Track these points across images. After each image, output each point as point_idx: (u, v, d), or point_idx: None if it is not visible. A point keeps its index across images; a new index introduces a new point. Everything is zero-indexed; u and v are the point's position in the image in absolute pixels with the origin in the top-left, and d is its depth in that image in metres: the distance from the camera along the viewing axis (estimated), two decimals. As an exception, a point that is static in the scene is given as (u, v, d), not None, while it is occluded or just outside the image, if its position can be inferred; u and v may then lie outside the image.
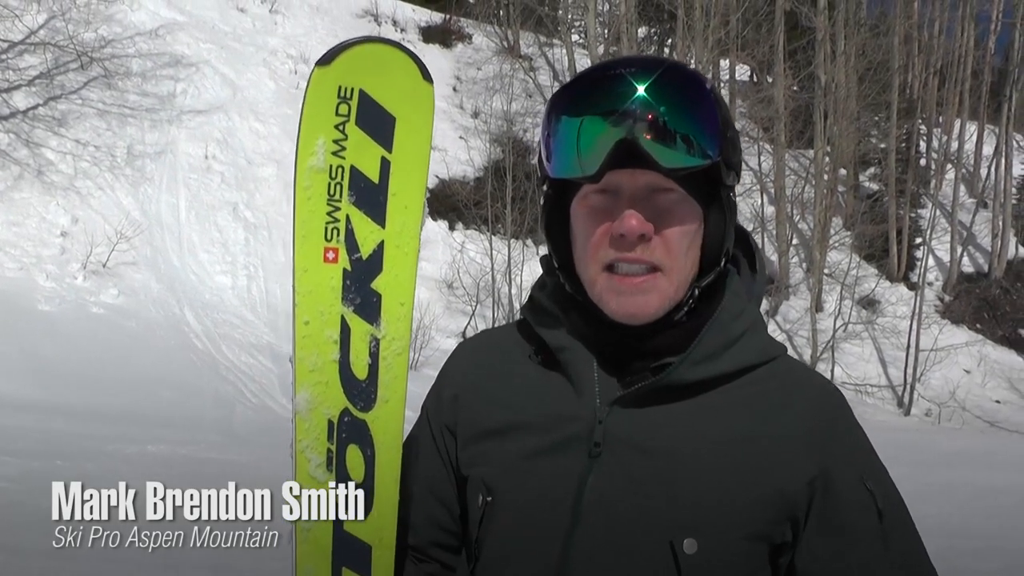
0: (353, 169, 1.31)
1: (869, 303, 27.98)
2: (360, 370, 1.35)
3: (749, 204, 28.95)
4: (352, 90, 1.31)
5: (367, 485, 1.38)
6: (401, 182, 1.35)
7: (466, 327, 20.01)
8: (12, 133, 19.88)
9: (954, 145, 34.41)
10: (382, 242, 1.35)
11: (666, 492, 1.37)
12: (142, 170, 20.50)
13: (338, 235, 1.31)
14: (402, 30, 29.55)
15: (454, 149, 25.53)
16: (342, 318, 1.34)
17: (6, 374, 13.29)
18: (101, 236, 18.19)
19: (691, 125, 1.37)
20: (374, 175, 1.32)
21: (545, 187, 1.50)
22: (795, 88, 30.83)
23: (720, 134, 1.40)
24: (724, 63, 31.97)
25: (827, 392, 1.51)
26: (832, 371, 24.63)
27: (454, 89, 28.22)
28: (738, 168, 1.47)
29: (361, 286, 1.35)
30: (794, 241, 28.49)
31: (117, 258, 18.11)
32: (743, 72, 33.32)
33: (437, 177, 24.66)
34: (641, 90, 1.35)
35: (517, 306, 21.87)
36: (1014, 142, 32.75)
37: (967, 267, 30.81)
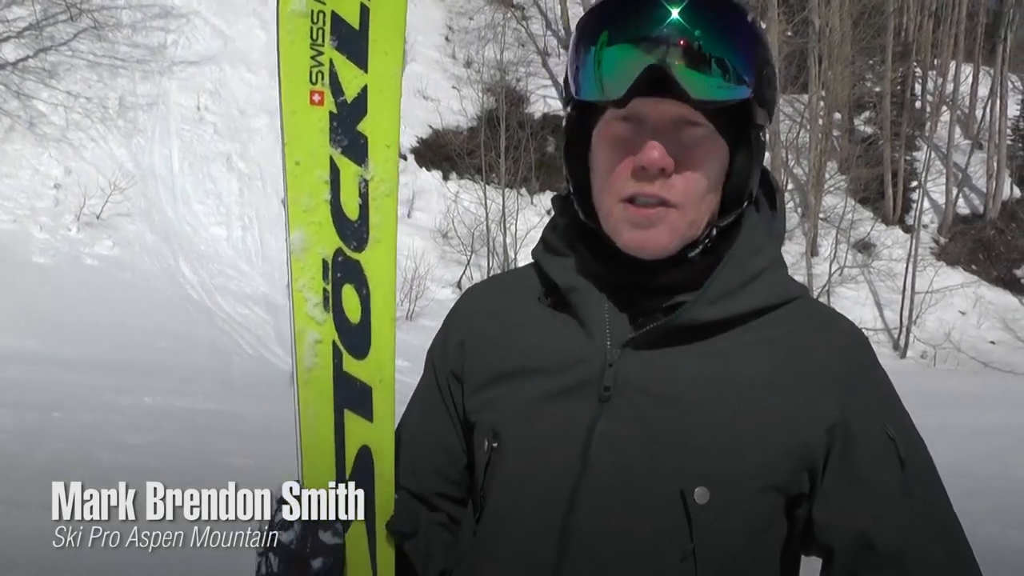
0: (334, 15, 1.32)
1: (865, 246, 28.06)
2: (351, 211, 1.36)
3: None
4: None
5: (364, 324, 1.38)
6: (381, 28, 1.35)
7: (461, 277, 20.05)
8: (2, 85, 19.95)
9: (949, 87, 34.33)
10: (365, 86, 1.35)
11: (678, 439, 1.32)
12: (134, 121, 20.61)
13: (323, 78, 1.33)
14: (393, -21, 29.34)
15: (447, 99, 25.54)
16: (331, 159, 1.35)
17: (1, 326, 13.39)
18: (95, 188, 18.32)
19: (726, 54, 1.30)
20: (355, 21, 1.33)
21: (568, 108, 1.45)
22: (789, 33, 30.77)
23: (756, 68, 1.34)
24: (718, 8, 31.77)
25: (851, 335, 1.44)
26: (828, 315, 24.72)
27: (446, 39, 28.19)
28: (771, 107, 1.40)
29: (348, 129, 1.35)
30: (789, 186, 28.58)
31: (111, 209, 18.24)
32: (737, 17, 33.13)
33: (430, 127, 24.68)
34: (675, 13, 1.28)
35: (512, 255, 21.94)
36: (1009, 83, 32.74)
37: (962, 209, 30.87)
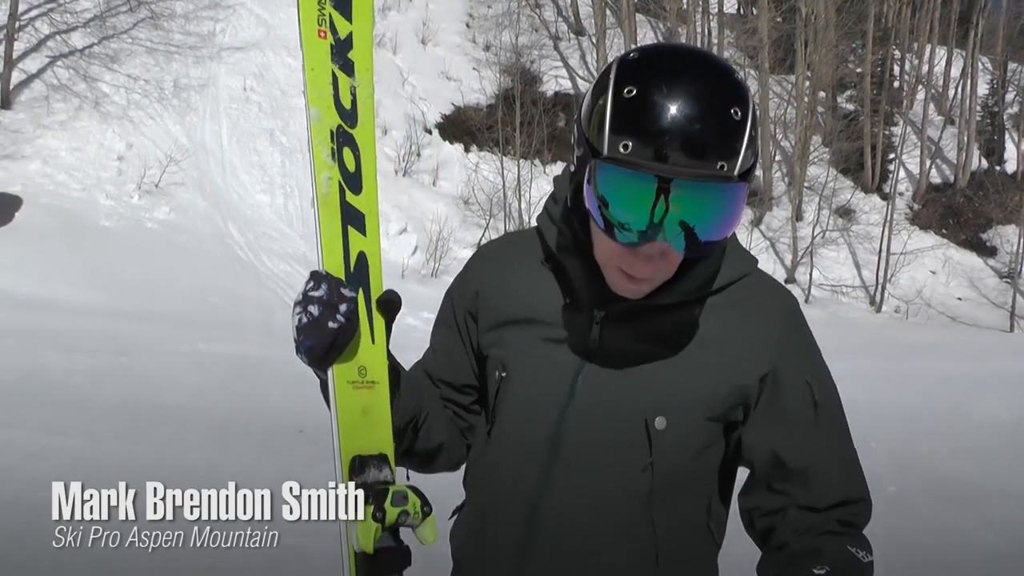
0: None
1: (845, 212, 27.88)
2: (346, 103, 1.69)
3: (736, 125, 28.73)
4: None
5: (357, 173, 1.68)
6: None
7: (480, 238, 20.09)
8: (71, 69, 19.90)
9: (925, 68, 33.98)
10: (351, 32, 1.71)
11: (645, 381, 1.52)
12: (187, 101, 20.55)
13: (325, 23, 1.68)
14: (418, -28, 29.22)
15: (468, 79, 25.43)
16: (332, 72, 1.68)
17: (73, 283, 13.49)
18: (153, 160, 18.32)
19: (723, 227, 1.37)
20: None
21: (580, 149, 1.45)
22: (778, 19, 30.42)
23: (751, 172, 1.39)
24: (713, -4, 31.53)
25: (787, 305, 1.62)
26: (811, 274, 24.79)
27: (467, 25, 27.98)
28: (755, 165, 1.42)
29: (342, 55, 1.70)
30: (777, 157, 28.38)
31: (168, 179, 18.23)
32: (730, 5, 32.86)
33: (453, 104, 24.61)
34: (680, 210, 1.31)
35: (526, 219, 21.93)
36: (980, 64, 32.37)
37: (935, 178, 30.62)
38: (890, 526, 6.55)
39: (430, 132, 23.68)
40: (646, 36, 28.21)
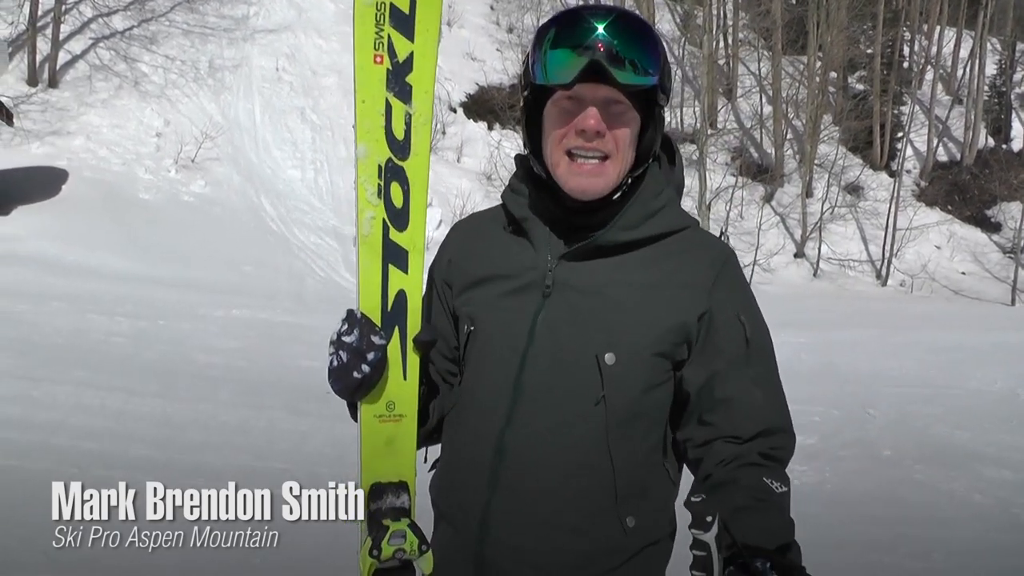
0: (392, 6, 1.64)
1: (853, 189, 27.72)
2: (399, 133, 1.63)
3: (750, 104, 28.63)
4: None
5: (404, 208, 1.65)
6: (424, 13, 1.65)
7: (502, 212, 20.06)
8: (112, 50, 20.07)
9: (933, 49, 33.59)
10: (412, 52, 1.65)
11: (596, 321, 1.62)
12: (222, 81, 20.73)
13: (382, 46, 1.61)
14: (446, -43, 29.04)
15: (491, 60, 25.38)
16: (386, 100, 1.63)
17: (115, 252, 13.72)
18: (189, 136, 18.52)
19: (641, 55, 1.58)
20: (406, 8, 1.64)
21: (526, 93, 1.68)
22: (791, 1, 30.17)
23: (660, 64, 1.61)
24: (731, -21, 31.23)
25: (722, 252, 1.72)
26: (819, 249, 24.67)
27: (491, 8, 27.92)
28: (668, 92, 1.66)
29: (399, 80, 1.63)
30: (788, 136, 28.20)
31: (203, 155, 18.43)
32: (747, -13, 32.58)
33: (477, 84, 24.58)
34: (601, 28, 1.56)
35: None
36: (988, 44, 31.92)
37: (942, 156, 30.29)
38: (883, 486, 6.63)
39: (455, 111, 23.71)
40: (663, 18, 28.03)
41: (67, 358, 7.67)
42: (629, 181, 1.66)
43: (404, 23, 1.64)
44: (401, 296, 1.65)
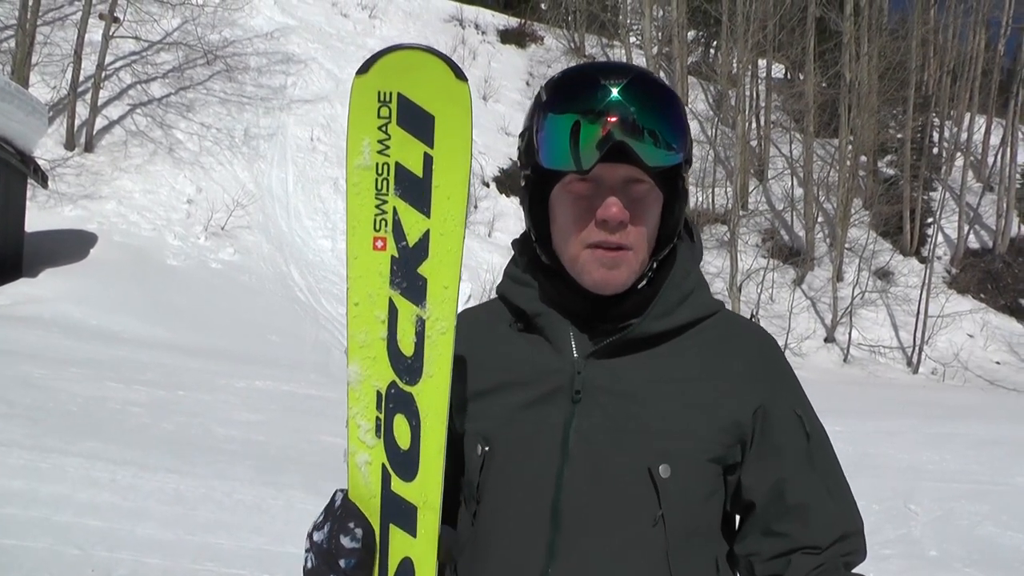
0: (398, 165, 1.26)
1: (884, 274, 27.57)
2: (407, 347, 1.28)
3: (781, 186, 28.77)
4: (391, 94, 1.26)
5: (413, 451, 1.32)
6: (444, 175, 1.28)
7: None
8: (149, 117, 20.36)
9: (964, 136, 33.66)
10: (427, 231, 1.28)
11: (640, 427, 1.39)
12: (256, 149, 20.96)
13: (386, 225, 1.27)
14: (483, 33, 29.65)
15: (527, 136, 25.56)
16: (390, 300, 1.28)
17: (139, 317, 13.61)
18: (221, 204, 18.64)
19: (664, 126, 1.37)
20: (418, 169, 1.27)
21: (528, 172, 1.46)
22: (823, 85, 30.40)
23: (685, 135, 1.41)
24: (762, 62, 31.85)
25: (766, 338, 1.55)
26: (850, 334, 24.39)
27: (527, 83, 28.30)
28: (691, 160, 1.46)
29: (408, 271, 1.28)
30: (819, 219, 28.13)
31: (234, 222, 18.51)
32: (778, 70, 33.08)
33: (511, 159, 24.74)
34: (616, 92, 1.34)
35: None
36: (1019, 133, 31.91)
37: (973, 244, 30.25)
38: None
39: (488, 185, 23.79)
40: (697, 98, 28.22)
41: (80, 427, 7.41)
42: (654, 266, 1.47)
43: (416, 189, 1.28)
44: (406, 566, 1.34)
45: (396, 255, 1.28)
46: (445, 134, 1.27)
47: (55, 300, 13.37)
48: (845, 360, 23.96)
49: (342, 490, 1.36)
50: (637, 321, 1.42)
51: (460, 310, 1.59)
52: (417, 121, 1.27)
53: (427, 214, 1.28)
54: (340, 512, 1.33)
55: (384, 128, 1.27)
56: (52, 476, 5.98)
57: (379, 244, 1.28)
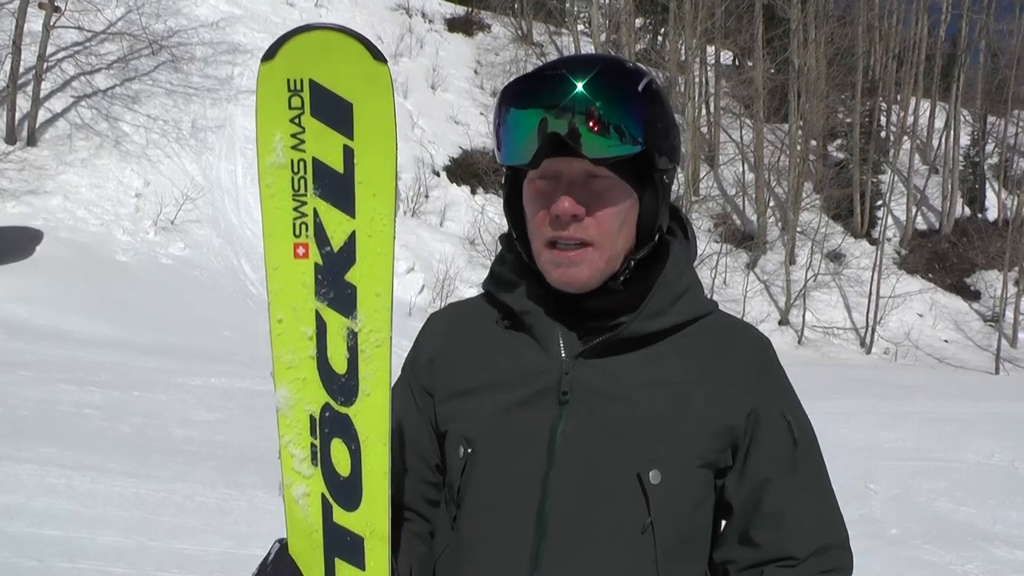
0: (315, 161, 1.11)
1: (836, 256, 28.01)
2: (339, 364, 1.17)
3: (732, 171, 29.03)
4: (301, 81, 1.11)
5: (354, 478, 1.20)
6: (368, 169, 1.14)
7: (486, 279, 20.00)
8: (94, 109, 19.94)
9: (910, 120, 34.24)
10: (353, 233, 1.15)
11: (630, 431, 1.35)
12: (204, 141, 20.63)
13: (307, 230, 1.13)
14: (430, 21, 29.45)
15: (475, 124, 25.48)
16: (316, 313, 1.16)
17: (89, 315, 13.31)
18: (169, 197, 18.31)
19: (616, 118, 1.30)
20: (338, 165, 1.12)
21: (505, 170, 1.45)
22: (772, 71, 30.73)
23: (646, 125, 1.33)
24: (710, 49, 32.09)
25: (758, 341, 1.50)
26: (803, 316, 24.71)
27: (475, 72, 28.20)
28: (671, 153, 1.40)
29: (335, 279, 1.16)
30: (771, 203, 28.51)
31: (183, 216, 18.21)
32: (727, 57, 33.37)
33: (460, 148, 24.60)
34: (579, 86, 1.29)
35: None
36: (961, 117, 32.63)
37: (920, 225, 30.95)
38: (894, 568, 6.30)
39: (438, 174, 23.61)
40: (645, 86, 28.32)
41: (33, 432, 7.15)
42: (631, 264, 1.41)
43: (337, 187, 1.14)
44: None
45: (320, 262, 1.16)
46: (366, 123, 1.14)
47: (0, 300, 13.02)
48: (799, 342, 24.23)
49: (280, 540, 1.25)
50: (628, 320, 1.38)
51: (448, 303, 1.51)
52: (334, 110, 1.13)
53: (352, 214, 1.15)
54: (271, 569, 1.22)
55: (297, 120, 1.13)
56: (5, 485, 5.77)
57: (300, 251, 1.14)
